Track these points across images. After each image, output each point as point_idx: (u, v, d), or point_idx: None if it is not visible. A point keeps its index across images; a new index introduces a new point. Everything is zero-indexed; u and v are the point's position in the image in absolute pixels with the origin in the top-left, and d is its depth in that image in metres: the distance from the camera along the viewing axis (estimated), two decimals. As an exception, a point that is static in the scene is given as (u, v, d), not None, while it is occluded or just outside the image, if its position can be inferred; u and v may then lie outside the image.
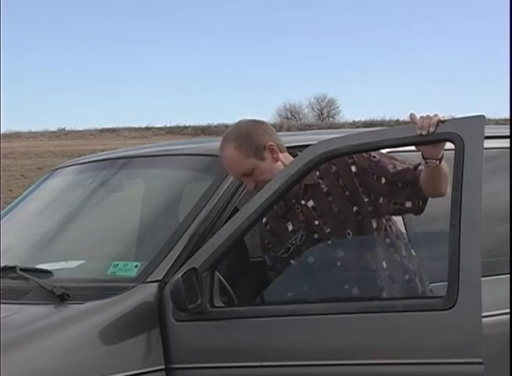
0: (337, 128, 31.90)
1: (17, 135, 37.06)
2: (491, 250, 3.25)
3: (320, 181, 3.03)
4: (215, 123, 39.22)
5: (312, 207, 3.03)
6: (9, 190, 19.80)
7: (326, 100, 56.04)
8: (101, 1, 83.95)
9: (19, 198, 4.03)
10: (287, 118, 52.41)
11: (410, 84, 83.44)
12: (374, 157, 2.99)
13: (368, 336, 2.60)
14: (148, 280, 2.83)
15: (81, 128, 40.14)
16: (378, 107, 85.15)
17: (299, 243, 3.02)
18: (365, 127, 29.26)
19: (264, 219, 3.09)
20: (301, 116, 54.38)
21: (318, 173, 3.03)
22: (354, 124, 36.39)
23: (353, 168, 3.00)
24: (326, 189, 3.02)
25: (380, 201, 2.99)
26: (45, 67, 79.71)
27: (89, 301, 2.79)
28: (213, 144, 3.85)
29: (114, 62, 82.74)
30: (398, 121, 37.83)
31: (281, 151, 3.03)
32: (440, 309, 2.53)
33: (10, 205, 4.00)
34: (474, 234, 2.51)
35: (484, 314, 3.05)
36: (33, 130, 39.66)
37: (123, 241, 3.39)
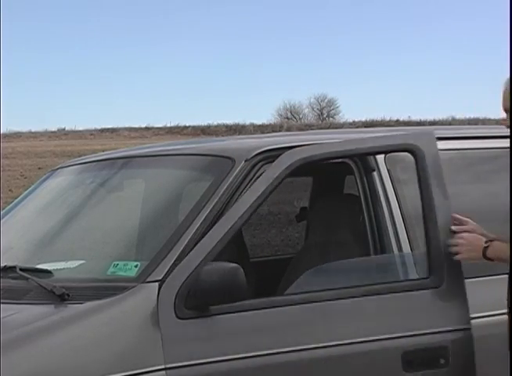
0: (336, 128, 31.92)
1: (17, 135, 37.05)
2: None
3: None
4: (215, 123, 39.29)
5: None
6: (9, 190, 19.79)
7: (326, 100, 56.14)
8: (101, 2, 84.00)
9: (19, 198, 4.02)
10: (287, 118, 52.45)
11: (410, 84, 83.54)
12: None
13: (370, 316, 2.95)
14: (148, 279, 2.83)
15: (81, 128, 40.20)
16: (378, 107, 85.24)
17: None
18: (365, 127, 29.28)
19: None
20: (301, 116, 54.44)
21: None
22: (354, 124, 36.37)
23: None
24: None
25: None
26: (45, 67, 79.85)
27: (89, 301, 2.78)
28: (213, 144, 3.86)
29: (114, 62, 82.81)
30: (398, 120, 37.88)
31: None
32: (431, 287, 3.03)
33: (10, 205, 4.00)
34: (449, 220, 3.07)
35: (483, 314, 3.06)
36: (33, 130, 39.72)
37: (123, 241, 3.39)
